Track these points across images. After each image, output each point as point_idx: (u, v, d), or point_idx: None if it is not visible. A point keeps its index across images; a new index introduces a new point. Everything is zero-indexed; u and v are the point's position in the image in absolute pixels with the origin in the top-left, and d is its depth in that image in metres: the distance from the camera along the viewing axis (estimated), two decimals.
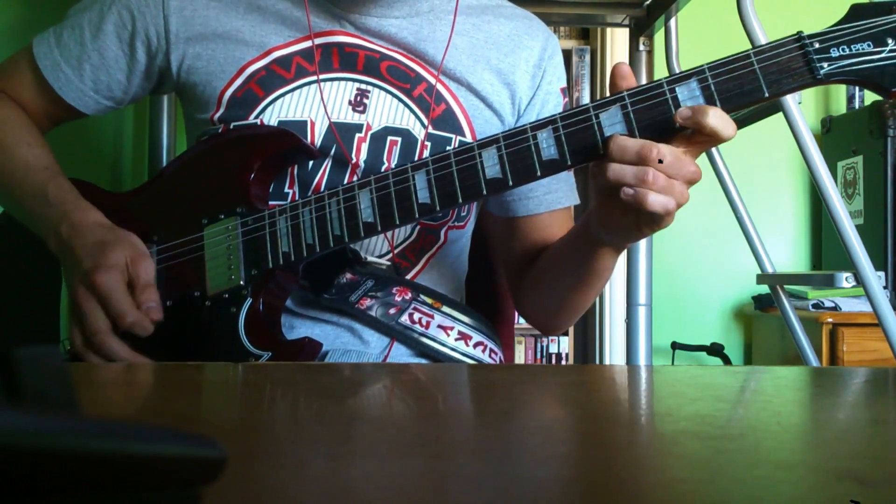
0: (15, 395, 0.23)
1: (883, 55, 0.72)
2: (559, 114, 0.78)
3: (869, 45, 0.72)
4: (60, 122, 1.01)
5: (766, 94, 0.73)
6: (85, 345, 0.82)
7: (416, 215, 0.81)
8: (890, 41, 0.72)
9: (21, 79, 0.98)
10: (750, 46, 1.43)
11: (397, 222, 0.82)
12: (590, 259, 0.89)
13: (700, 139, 0.73)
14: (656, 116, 0.74)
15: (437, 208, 0.80)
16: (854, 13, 0.73)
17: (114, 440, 0.20)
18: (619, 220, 0.78)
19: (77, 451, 0.20)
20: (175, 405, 0.53)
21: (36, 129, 0.97)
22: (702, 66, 0.74)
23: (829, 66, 0.72)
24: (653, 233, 0.78)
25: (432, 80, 0.95)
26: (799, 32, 0.73)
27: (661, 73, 1.96)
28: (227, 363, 0.80)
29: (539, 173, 0.78)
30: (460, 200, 0.80)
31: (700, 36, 2.41)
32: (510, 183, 0.78)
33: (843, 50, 0.72)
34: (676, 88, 0.74)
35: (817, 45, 0.72)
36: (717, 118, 0.71)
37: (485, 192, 0.79)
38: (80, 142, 1.88)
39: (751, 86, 0.73)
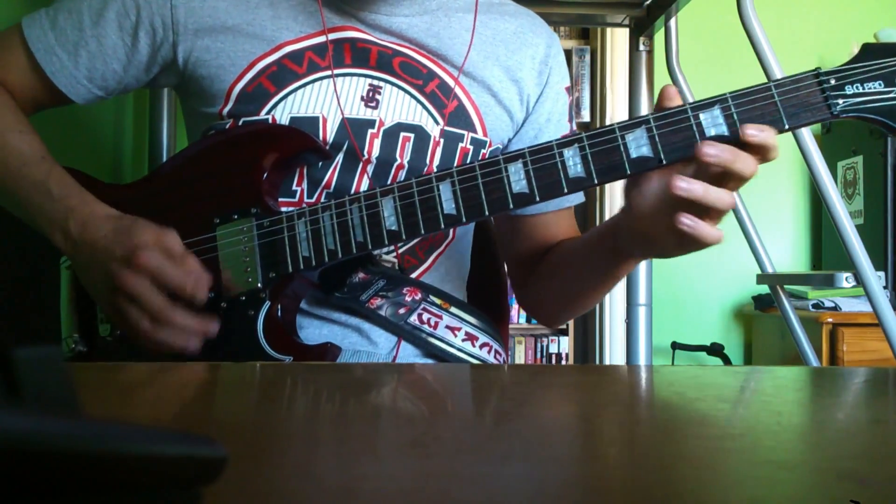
0: (15, 395, 0.23)
1: (893, 94, 0.75)
2: (585, 133, 0.79)
3: (880, 85, 0.75)
4: (45, 107, 0.98)
5: (786, 126, 0.75)
6: (154, 327, 0.80)
7: (443, 226, 0.81)
8: None
9: (9, 61, 0.94)
10: (750, 46, 1.43)
11: (422, 231, 0.82)
12: (612, 266, 0.90)
13: (731, 182, 0.74)
14: (680, 141, 0.76)
15: (464, 220, 0.80)
16: (865, 52, 0.76)
17: (114, 440, 0.20)
18: (662, 237, 0.78)
19: (77, 451, 0.19)
20: (175, 405, 0.53)
21: (24, 115, 0.93)
22: (724, 94, 0.76)
23: (843, 102, 0.75)
24: (684, 254, 0.79)
25: (444, 77, 0.94)
26: (817, 69, 0.76)
27: (661, 72, 1.96)
28: (226, 363, 0.80)
29: (566, 190, 0.79)
30: (487, 213, 0.80)
31: (700, 36, 2.41)
32: (537, 199, 0.79)
33: (857, 88, 0.75)
34: (700, 114, 0.75)
35: (833, 82, 0.75)
36: (744, 163, 0.73)
37: (511, 206, 0.79)
38: (79, 134, 1.88)
39: (772, 117, 0.75)
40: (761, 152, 0.73)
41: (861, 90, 0.75)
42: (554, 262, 1.00)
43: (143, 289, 0.79)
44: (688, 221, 0.73)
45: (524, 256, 1.04)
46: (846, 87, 0.75)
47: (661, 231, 0.77)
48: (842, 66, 0.76)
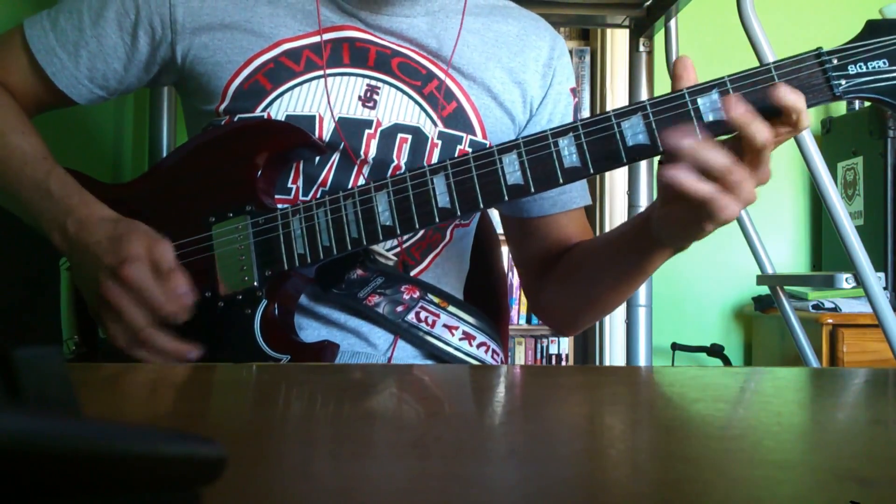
0: (15, 395, 0.23)
1: None
2: (580, 121, 0.77)
3: (885, 63, 0.72)
4: (48, 109, 0.98)
5: None
6: (132, 343, 0.81)
7: (437, 220, 0.80)
8: None
9: (11, 62, 0.95)
10: (750, 47, 1.43)
11: (417, 226, 0.81)
12: (645, 258, 0.87)
13: (781, 129, 0.72)
14: (678, 126, 0.73)
15: (459, 213, 0.80)
16: (869, 29, 0.74)
17: (113, 440, 0.20)
18: (681, 216, 0.76)
19: (77, 451, 0.19)
20: (175, 406, 0.53)
21: (25, 116, 0.94)
22: (723, 77, 0.74)
23: (846, 83, 0.72)
24: (716, 229, 0.76)
25: (444, 78, 0.94)
26: (818, 48, 0.73)
27: (661, 73, 1.97)
28: (225, 364, 0.80)
29: (561, 181, 0.77)
30: (482, 206, 0.79)
31: (700, 36, 2.41)
32: (532, 190, 0.78)
33: (860, 67, 0.72)
34: (698, 99, 0.74)
35: (836, 62, 0.72)
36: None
37: (506, 198, 0.78)
38: (79, 134, 1.88)
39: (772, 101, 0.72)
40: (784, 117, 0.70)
41: (864, 69, 0.72)
42: (574, 262, 0.98)
43: (125, 304, 0.79)
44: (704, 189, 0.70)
45: (537, 260, 1.02)
46: (849, 67, 0.72)
47: (686, 206, 0.74)
48: (844, 44, 0.73)
